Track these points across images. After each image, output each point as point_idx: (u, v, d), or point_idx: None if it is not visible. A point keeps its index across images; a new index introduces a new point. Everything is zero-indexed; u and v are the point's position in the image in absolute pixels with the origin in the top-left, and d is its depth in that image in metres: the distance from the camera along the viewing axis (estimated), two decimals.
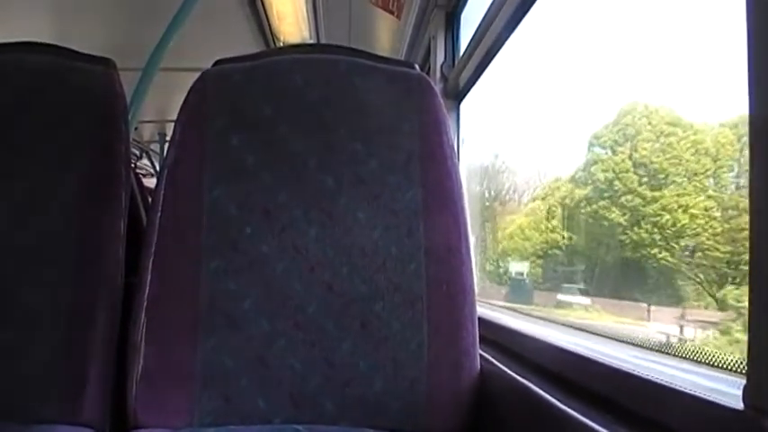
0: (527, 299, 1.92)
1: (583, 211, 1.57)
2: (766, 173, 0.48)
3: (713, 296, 1.10)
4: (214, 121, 0.93)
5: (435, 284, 0.90)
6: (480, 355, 0.92)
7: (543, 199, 1.86)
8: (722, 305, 1.06)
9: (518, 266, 2.00)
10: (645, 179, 1.34)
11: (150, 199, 1.10)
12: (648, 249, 1.30)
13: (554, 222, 1.76)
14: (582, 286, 1.62)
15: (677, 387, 0.61)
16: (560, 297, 1.69)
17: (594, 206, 1.50)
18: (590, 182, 1.54)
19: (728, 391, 0.56)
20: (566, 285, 1.69)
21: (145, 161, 4.77)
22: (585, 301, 1.56)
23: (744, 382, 0.50)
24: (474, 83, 1.71)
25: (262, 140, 0.93)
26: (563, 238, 1.72)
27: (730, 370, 0.81)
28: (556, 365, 0.87)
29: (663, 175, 1.30)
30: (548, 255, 1.82)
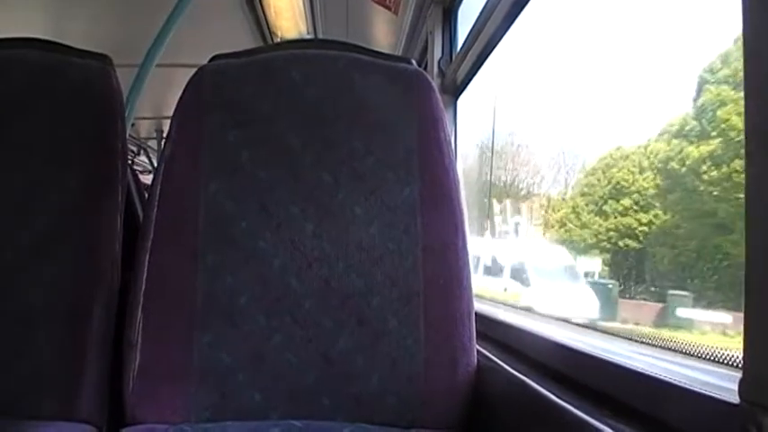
0: (610, 312, 1.40)
1: (705, 177, 1.09)
2: (763, 169, 0.48)
3: None
4: (211, 116, 0.92)
5: (432, 280, 0.90)
6: (478, 351, 0.93)
7: (605, 172, 1.41)
8: None
9: (585, 265, 1.48)
10: None
11: (147, 195, 1.10)
12: None
13: (625, 202, 1.30)
14: (702, 293, 1.12)
15: (674, 381, 0.61)
16: (681, 313, 1.17)
17: (725, 169, 1.02)
18: (715, 133, 1.07)
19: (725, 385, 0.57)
20: (675, 293, 1.20)
21: (142, 158, 4.75)
22: (722, 318, 1.07)
23: (740, 376, 0.51)
24: (471, 78, 1.70)
25: (258, 136, 0.93)
26: (640, 224, 1.24)
27: None
28: (553, 361, 0.87)
29: None
30: (620, 248, 1.33)
